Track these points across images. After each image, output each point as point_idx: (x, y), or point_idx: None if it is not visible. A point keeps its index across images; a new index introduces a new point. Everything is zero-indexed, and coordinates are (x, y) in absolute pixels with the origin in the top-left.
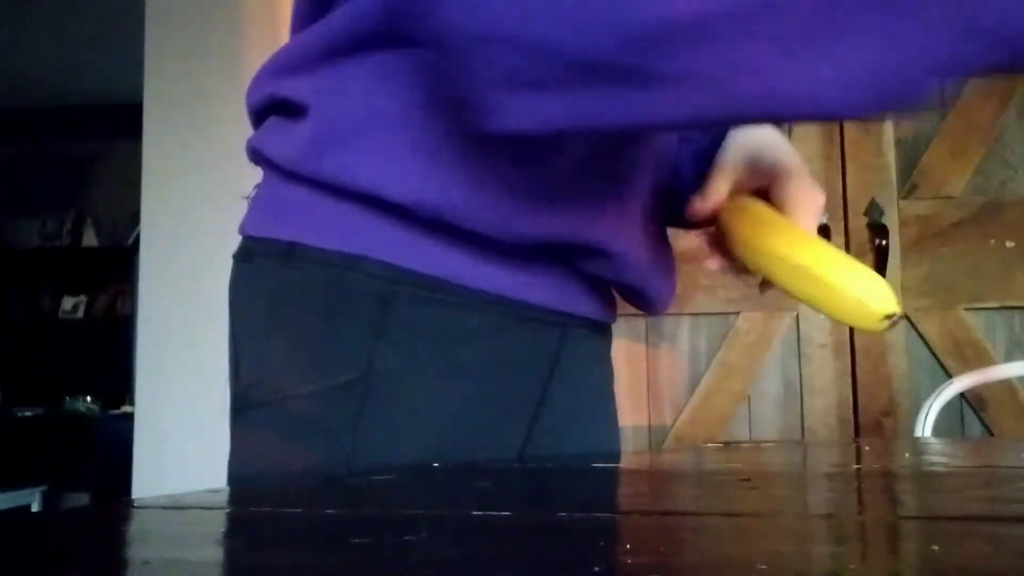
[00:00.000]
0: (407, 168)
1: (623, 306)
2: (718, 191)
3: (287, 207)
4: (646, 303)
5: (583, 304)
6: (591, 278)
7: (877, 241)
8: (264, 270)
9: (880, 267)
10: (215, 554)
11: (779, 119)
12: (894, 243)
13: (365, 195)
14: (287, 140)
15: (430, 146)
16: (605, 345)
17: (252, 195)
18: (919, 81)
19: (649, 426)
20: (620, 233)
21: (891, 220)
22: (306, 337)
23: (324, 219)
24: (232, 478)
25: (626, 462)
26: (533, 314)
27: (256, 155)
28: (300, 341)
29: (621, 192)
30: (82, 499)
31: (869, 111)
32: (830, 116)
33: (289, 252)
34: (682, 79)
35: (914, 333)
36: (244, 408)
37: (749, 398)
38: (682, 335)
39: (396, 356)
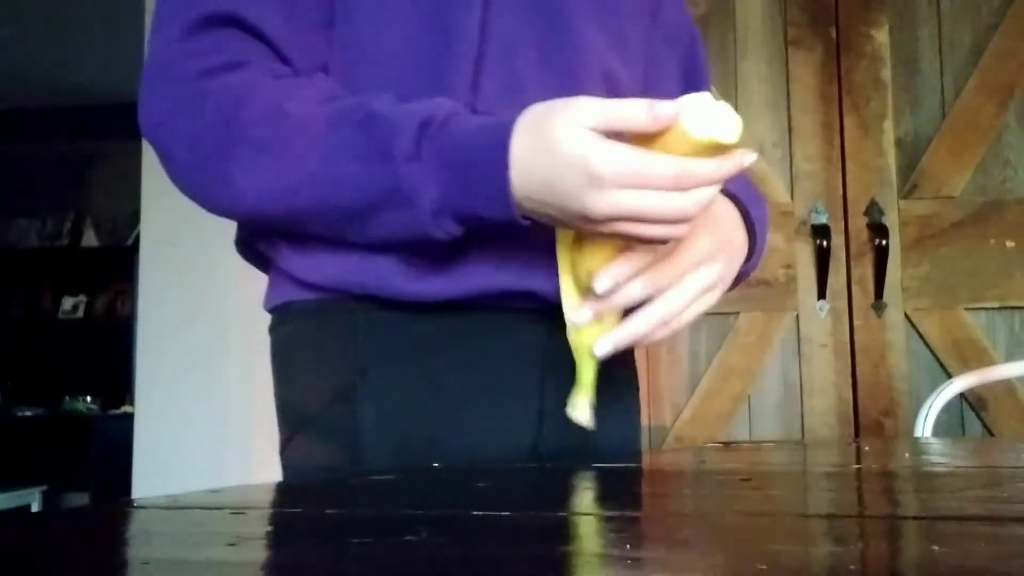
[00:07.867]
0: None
1: None
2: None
3: (279, 279)
4: None
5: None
6: None
7: (877, 241)
8: (276, 332)
9: (880, 267)
10: (215, 554)
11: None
12: (894, 243)
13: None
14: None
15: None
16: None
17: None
18: None
19: (649, 426)
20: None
21: (891, 220)
22: (304, 373)
23: (303, 281)
24: None
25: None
26: (509, 311)
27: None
28: (303, 378)
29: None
30: (82, 499)
31: None
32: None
33: (286, 311)
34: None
35: (914, 333)
36: (281, 449)
37: (749, 398)
38: (682, 335)
39: (378, 371)
